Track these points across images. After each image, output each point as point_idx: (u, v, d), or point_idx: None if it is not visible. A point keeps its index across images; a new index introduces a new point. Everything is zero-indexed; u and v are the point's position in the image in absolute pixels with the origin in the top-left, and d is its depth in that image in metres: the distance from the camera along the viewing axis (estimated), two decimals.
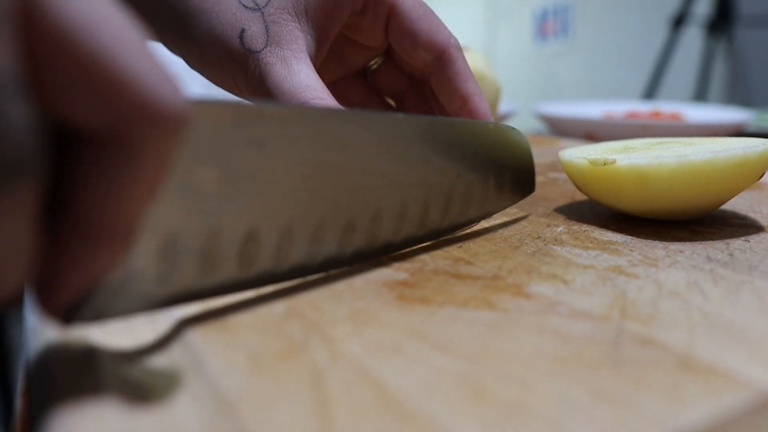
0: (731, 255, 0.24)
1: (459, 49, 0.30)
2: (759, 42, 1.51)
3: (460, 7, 2.72)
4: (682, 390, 0.14)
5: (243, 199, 0.18)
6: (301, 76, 0.27)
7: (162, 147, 0.12)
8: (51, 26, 0.10)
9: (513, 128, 0.29)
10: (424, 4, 0.30)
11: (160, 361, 0.15)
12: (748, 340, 0.17)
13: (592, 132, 0.68)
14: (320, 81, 0.27)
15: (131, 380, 0.15)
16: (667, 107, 0.84)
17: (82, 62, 0.11)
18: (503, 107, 0.83)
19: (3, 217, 0.10)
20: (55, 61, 0.11)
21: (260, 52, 0.27)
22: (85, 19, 0.11)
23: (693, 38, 1.54)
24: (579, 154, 0.29)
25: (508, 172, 0.28)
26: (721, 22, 1.44)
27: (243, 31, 0.27)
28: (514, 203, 0.30)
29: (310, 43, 0.29)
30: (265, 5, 0.28)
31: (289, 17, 0.28)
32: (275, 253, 0.19)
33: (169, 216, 0.16)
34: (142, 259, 0.16)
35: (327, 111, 0.21)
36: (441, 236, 0.26)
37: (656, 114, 0.78)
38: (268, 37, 0.27)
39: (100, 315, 0.15)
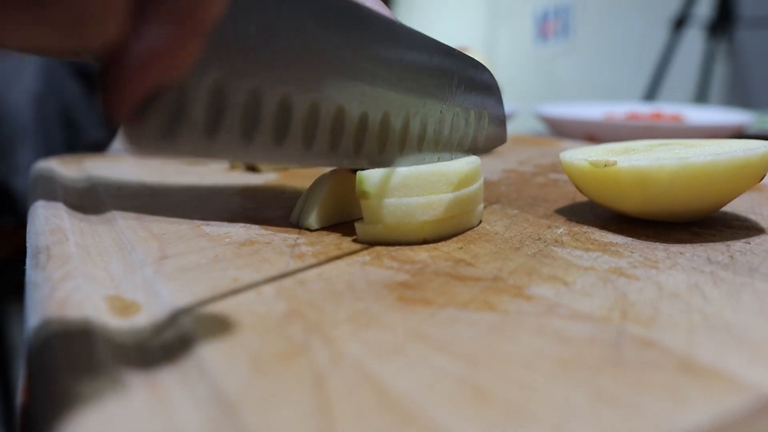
0: (732, 257, 0.24)
1: None
2: (760, 44, 1.51)
3: (461, 8, 2.72)
4: (683, 392, 0.14)
5: (278, 64, 0.19)
6: None
7: None
8: None
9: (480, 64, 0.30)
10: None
11: (161, 360, 0.15)
12: (749, 343, 0.17)
13: (592, 133, 0.68)
14: None
15: (132, 380, 0.15)
16: (667, 109, 0.84)
17: None
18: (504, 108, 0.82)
19: None
20: None
21: None
22: None
23: (694, 40, 1.54)
24: (580, 155, 0.29)
25: (486, 111, 0.31)
26: (722, 23, 1.44)
27: None
28: (487, 150, 0.32)
29: None
30: None
31: None
32: (303, 128, 0.21)
33: (218, 65, 0.17)
34: (194, 101, 0.17)
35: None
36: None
37: (657, 115, 0.78)
38: None
39: (153, 141, 0.16)
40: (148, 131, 0.15)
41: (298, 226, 0.29)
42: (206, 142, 0.18)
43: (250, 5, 0.18)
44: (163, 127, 0.16)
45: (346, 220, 0.29)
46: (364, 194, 0.26)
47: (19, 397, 0.22)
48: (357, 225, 0.26)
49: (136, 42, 0.13)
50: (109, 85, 0.13)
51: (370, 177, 0.25)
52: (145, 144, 0.15)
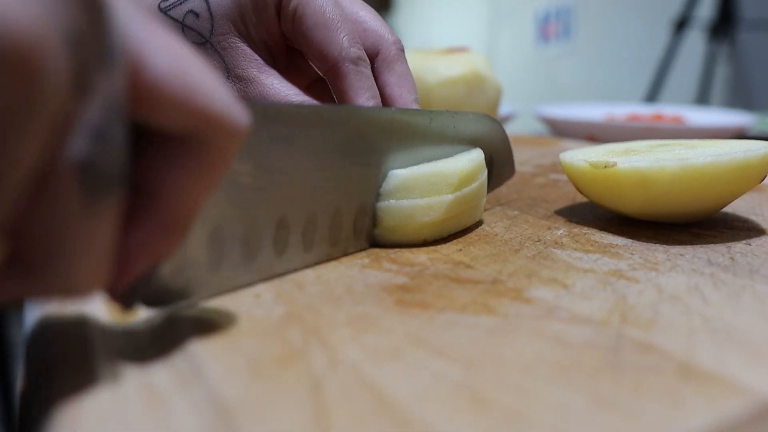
0: (732, 258, 0.24)
1: (355, 61, 0.28)
2: (761, 46, 1.51)
3: (463, 9, 2.72)
4: (682, 396, 0.14)
5: (272, 190, 0.20)
6: (276, 88, 0.28)
7: (226, 150, 0.15)
8: (153, 76, 0.13)
9: (487, 116, 0.30)
10: (334, 10, 0.28)
11: (158, 363, 0.15)
12: (749, 346, 0.16)
13: (593, 134, 0.68)
14: (293, 86, 0.29)
15: (129, 382, 0.14)
16: (668, 110, 0.84)
17: (178, 98, 0.14)
18: (504, 109, 0.83)
19: (101, 221, 0.13)
20: (156, 97, 0.14)
21: (227, 81, 0.29)
22: (177, 68, 0.14)
23: (695, 41, 1.54)
24: (580, 156, 0.29)
25: (492, 157, 0.31)
26: (724, 25, 1.44)
27: None
28: (498, 185, 0.33)
29: (265, 57, 0.30)
30: (210, 35, 0.28)
31: (237, 39, 0.29)
32: (302, 238, 0.22)
33: (215, 208, 0.18)
34: (195, 247, 0.18)
35: (338, 106, 0.23)
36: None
37: (658, 117, 0.77)
38: (225, 64, 0.29)
39: (162, 300, 0.17)
40: (133, 307, 0.16)
41: None
42: (212, 277, 0.19)
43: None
44: (171, 278, 0.17)
45: None
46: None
47: (18, 395, 0.22)
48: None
49: (130, 241, 0.14)
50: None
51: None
52: (157, 298, 0.17)
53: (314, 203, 0.22)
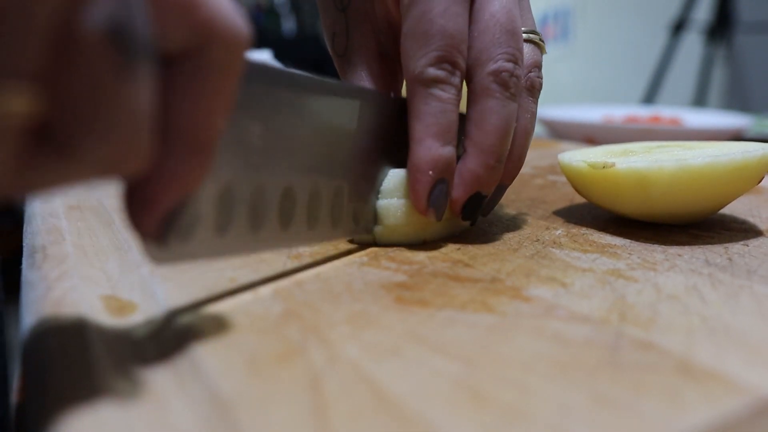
0: (730, 259, 0.24)
1: (427, 83, 0.24)
2: (758, 48, 1.51)
3: None
4: (681, 394, 0.14)
5: (280, 157, 0.20)
6: (356, 78, 0.28)
7: (231, 63, 0.15)
8: None
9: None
10: (434, 19, 0.23)
11: (156, 361, 0.15)
12: (747, 345, 0.16)
13: (591, 136, 0.68)
14: (371, 83, 0.28)
15: (128, 380, 0.14)
16: (666, 112, 0.84)
17: (180, 7, 0.14)
18: None
19: (137, 89, 0.13)
20: (160, 4, 0.13)
21: (342, 56, 0.28)
22: None
23: (693, 44, 1.55)
24: (578, 157, 0.29)
25: None
26: (721, 28, 1.45)
27: (334, 35, 0.28)
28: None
29: (386, 38, 0.28)
30: (347, 6, 0.28)
31: (363, 16, 0.28)
32: (306, 212, 0.22)
33: (224, 168, 0.18)
34: (205, 204, 0.18)
35: (349, 86, 0.23)
36: None
37: (656, 119, 0.78)
38: (347, 41, 0.28)
39: (174, 255, 0.17)
40: (168, 243, 0.16)
41: None
42: (218, 240, 0.19)
43: (245, 110, 0.19)
44: (180, 235, 0.17)
45: None
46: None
47: (15, 396, 0.22)
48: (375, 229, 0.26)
49: (158, 172, 0.15)
50: (135, 207, 0.15)
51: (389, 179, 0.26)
52: (165, 254, 0.17)
53: (319, 178, 0.22)
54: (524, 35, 0.27)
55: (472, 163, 0.25)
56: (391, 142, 0.26)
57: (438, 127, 0.24)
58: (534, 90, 0.27)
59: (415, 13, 0.24)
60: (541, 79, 0.28)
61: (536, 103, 0.28)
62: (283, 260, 0.23)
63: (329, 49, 0.29)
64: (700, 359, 0.16)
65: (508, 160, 0.26)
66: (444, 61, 0.24)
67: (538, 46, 0.28)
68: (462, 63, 0.24)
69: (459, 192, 0.25)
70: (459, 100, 0.25)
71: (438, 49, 0.24)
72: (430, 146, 0.24)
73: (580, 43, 2.10)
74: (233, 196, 0.19)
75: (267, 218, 0.20)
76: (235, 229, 0.19)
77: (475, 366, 0.15)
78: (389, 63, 0.28)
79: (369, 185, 0.25)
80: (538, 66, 0.27)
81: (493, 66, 0.24)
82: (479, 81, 0.25)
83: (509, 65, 0.25)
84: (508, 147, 0.26)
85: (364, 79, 0.28)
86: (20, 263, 0.24)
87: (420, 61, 0.24)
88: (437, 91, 0.24)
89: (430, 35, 0.24)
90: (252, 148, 0.19)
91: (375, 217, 0.26)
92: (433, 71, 0.24)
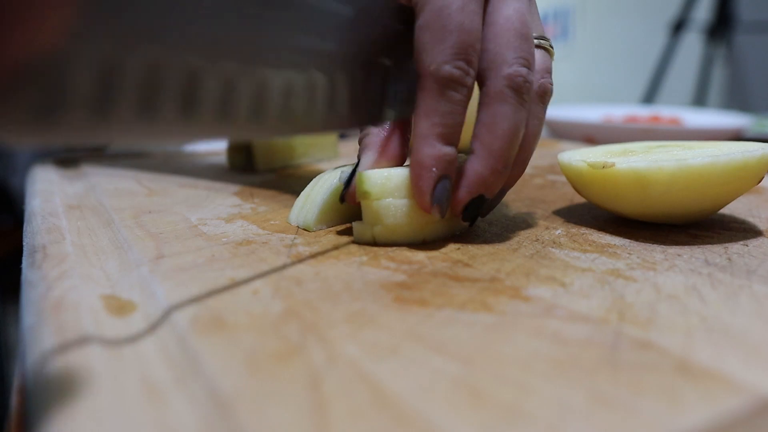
0: (729, 259, 0.24)
1: (442, 81, 0.24)
2: (758, 48, 1.51)
3: None
4: (680, 394, 0.14)
5: (185, 33, 0.17)
6: None
7: None
8: None
9: None
10: (453, 15, 0.23)
11: (156, 359, 0.15)
12: (746, 345, 0.16)
13: (591, 135, 0.68)
14: None
15: (127, 378, 0.14)
16: (666, 112, 0.84)
17: None
18: None
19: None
20: None
21: None
22: None
23: (692, 43, 1.55)
24: (578, 157, 0.29)
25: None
26: (721, 27, 1.45)
27: None
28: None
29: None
30: None
31: None
32: (220, 101, 0.19)
33: (102, 37, 0.15)
34: (77, 74, 0.15)
35: None
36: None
37: (655, 118, 0.78)
38: None
39: (26, 124, 0.14)
40: (19, 113, 0.14)
41: (297, 226, 0.29)
42: (96, 122, 0.16)
43: None
44: (38, 107, 0.14)
45: (345, 222, 0.29)
46: (365, 194, 0.25)
47: (14, 395, 0.22)
48: (354, 225, 0.26)
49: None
50: None
51: (371, 177, 0.25)
52: (14, 128, 0.14)
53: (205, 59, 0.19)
54: (535, 41, 0.26)
55: (479, 166, 0.25)
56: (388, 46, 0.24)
57: (444, 128, 0.24)
58: (545, 96, 0.27)
59: (433, 7, 0.23)
60: (552, 85, 0.27)
61: (545, 109, 0.27)
62: (283, 259, 0.23)
63: None
64: (699, 359, 0.16)
65: (513, 164, 0.26)
66: (460, 58, 0.24)
67: (548, 51, 0.28)
68: (476, 62, 0.24)
69: (463, 193, 0.25)
70: (468, 102, 0.25)
71: (455, 45, 0.23)
72: (433, 144, 0.24)
73: (580, 43, 2.10)
74: (114, 71, 0.16)
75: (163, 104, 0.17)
76: (118, 114, 0.16)
77: (474, 365, 0.15)
78: None
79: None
80: (549, 71, 0.27)
81: (508, 70, 0.24)
82: (493, 84, 0.25)
83: (524, 70, 0.25)
84: (516, 152, 0.26)
85: None
86: (18, 263, 0.24)
87: (437, 56, 0.23)
88: (450, 92, 0.24)
89: (448, 30, 0.23)
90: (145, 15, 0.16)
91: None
92: (449, 69, 0.23)
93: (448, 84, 0.24)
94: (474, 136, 0.25)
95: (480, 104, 0.25)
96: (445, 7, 0.23)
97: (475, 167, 0.25)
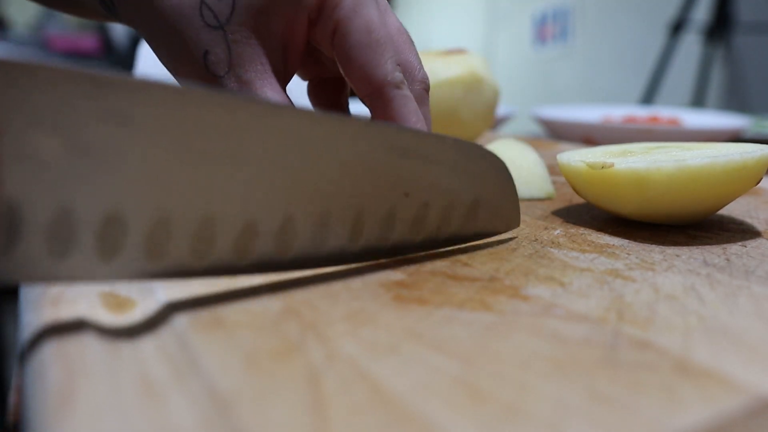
0: (728, 260, 0.24)
1: (399, 86, 0.26)
2: (757, 49, 1.51)
3: (460, 11, 2.73)
4: (679, 393, 0.14)
5: (100, 179, 0.17)
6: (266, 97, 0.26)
7: None
8: None
9: (493, 154, 0.26)
10: (381, 29, 0.26)
11: (155, 357, 0.15)
12: (745, 345, 0.17)
13: (590, 136, 0.68)
14: (285, 97, 0.27)
15: (126, 377, 0.14)
16: (665, 112, 0.84)
17: None
18: (502, 110, 0.83)
19: None
20: None
21: (223, 77, 0.26)
22: None
23: (691, 44, 1.55)
24: (577, 157, 0.29)
25: (482, 200, 0.26)
26: (720, 28, 1.45)
27: (206, 53, 0.26)
28: (488, 236, 0.26)
29: (278, 57, 0.27)
30: (226, 21, 0.26)
31: (250, 33, 0.26)
32: (149, 245, 0.18)
33: (10, 184, 0.15)
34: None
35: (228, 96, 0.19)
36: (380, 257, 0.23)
37: (654, 119, 0.78)
38: (230, 59, 0.26)
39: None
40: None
41: None
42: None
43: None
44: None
45: None
46: None
47: (12, 393, 0.22)
48: None
49: None
50: None
51: None
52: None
53: (176, 203, 0.18)
54: None
55: None
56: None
57: (421, 123, 0.26)
58: (428, 92, 0.29)
59: (359, 26, 0.26)
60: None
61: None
62: None
63: (194, 70, 0.26)
64: (698, 358, 0.16)
65: None
66: (397, 63, 0.27)
67: None
68: None
69: None
70: None
71: (393, 56, 0.26)
72: None
73: (579, 44, 2.10)
74: (23, 219, 0.16)
75: (80, 247, 0.17)
76: (25, 254, 0.16)
77: (473, 364, 0.15)
78: (280, 80, 0.28)
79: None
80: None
81: (418, 75, 0.28)
82: (413, 90, 0.28)
83: (425, 72, 0.28)
84: None
85: (263, 72, 0.26)
86: None
87: (386, 66, 0.26)
88: (407, 92, 0.26)
89: (382, 44, 0.26)
90: (48, 164, 0.16)
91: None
92: (399, 75, 0.26)
93: (403, 86, 0.26)
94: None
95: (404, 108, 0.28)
96: (371, 22, 0.26)
97: None
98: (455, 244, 0.25)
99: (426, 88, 0.28)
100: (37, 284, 0.17)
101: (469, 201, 0.25)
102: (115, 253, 0.17)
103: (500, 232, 0.27)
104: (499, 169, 0.26)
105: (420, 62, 0.28)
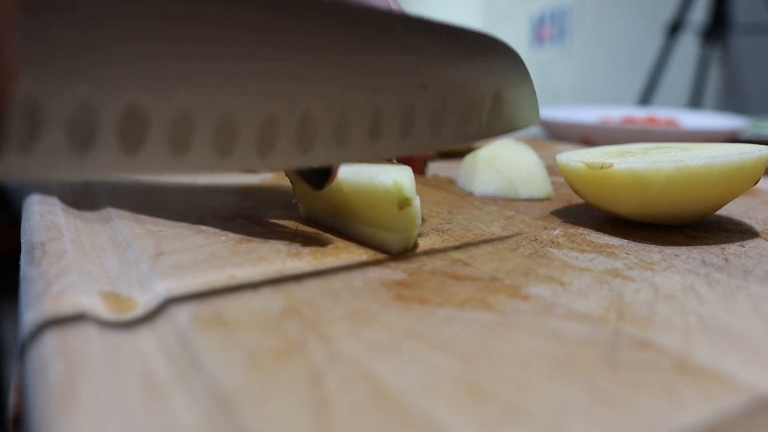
0: (726, 260, 0.24)
1: None
2: (754, 50, 1.52)
3: (457, 11, 2.73)
4: (678, 392, 0.14)
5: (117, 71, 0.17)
6: None
7: None
8: None
9: (506, 44, 0.25)
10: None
11: (156, 356, 0.15)
12: (744, 344, 0.17)
13: (588, 136, 0.68)
14: None
15: (127, 375, 0.14)
16: (662, 113, 0.84)
17: None
18: None
19: None
20: None
21: None
22: None
23: (689, 45, 1.56)
24: (576, 157, 0.29)
25: (502, 95, 0.25)
26: (717, 29, 1.45)
27: None
28: (508, 131, 0.26)
29: None
30: None
31: None
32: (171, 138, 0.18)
33: (28, 79, 0.15)
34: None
35: None
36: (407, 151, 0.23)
37: (652, 120, 0.78)
38: None
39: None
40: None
41: (297, 224, 0.29)
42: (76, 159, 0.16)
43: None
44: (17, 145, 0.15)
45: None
46: (407, 202, 0.23)
47: (12, 393, 0.22)
48: (389, 239, 0.24)
49: None
50: None
51: (405, 181, 0.24)
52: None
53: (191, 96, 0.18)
54: None
55: None
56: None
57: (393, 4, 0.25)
58: None
59: None
60: None
61: None
62: (283, 257, 0.23)
63: None
64: (697, 358, 0.16)
65: None
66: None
67: None
68: None
69: None
70: None
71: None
72: None
73: (576, 44, 2.10)
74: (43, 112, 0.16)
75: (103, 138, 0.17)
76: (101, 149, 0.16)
77: (473, 363, 0.15)
78: None
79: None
80: None
81: None
82: None
83: None
84: None
85: None
86: (15, 261, 0.24)
87: None
88: None
89: None
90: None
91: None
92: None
93: None
94: None
95: None
96: None
97: None
98: (475, 139, 0.25)
99: None
100: (58, 179, 0.17)
101: (488, 96, 0.25)
102: (138, 146, 0.17)
103: (520, 128, 0.26)
104: (513, 61, 0.25)
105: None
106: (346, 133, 0.21)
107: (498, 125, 0.25)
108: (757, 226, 0.30)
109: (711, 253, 0.25)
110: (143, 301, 0.19)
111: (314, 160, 0.21)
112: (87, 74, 0.16)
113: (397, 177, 0.24)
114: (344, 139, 0.21)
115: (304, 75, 0.20)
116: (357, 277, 0.21)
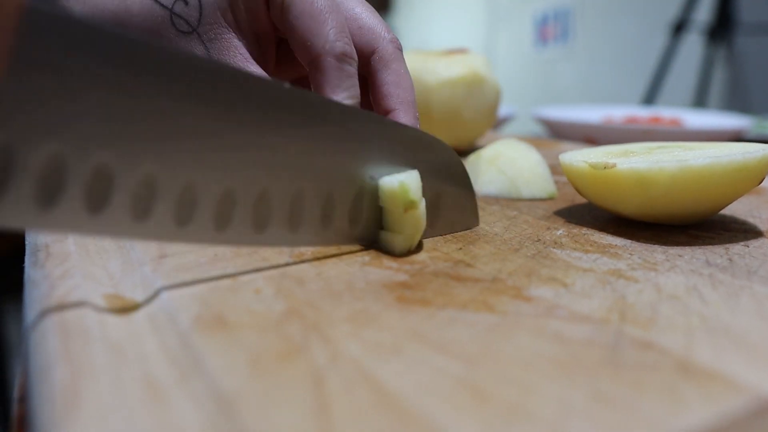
0: (730, 260, 0.24)
1: (339, 57, 0.26)
2: (759, 49, 1.51)
3: (461, 11, 2.73)
4: (681, 393, 0.14)
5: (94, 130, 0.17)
6: None
7: None
8: None
9: (444, 144, 0.27)
10: (324, 1, 0.27)
11: (159, 358, 0.15)
12: (747, 345, 0.17)
13: (591, 136, 0.68)
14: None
15: (130, 377, 0.14)
16: (666, 113, 0.84)
17: None
18: (503, 110, 0.83)
19: None
20: None
21: (191, 32, 0.27)
22: None
23: (693, 45, 1.55)
24: (579, 157, 0.29)
25: (443, 193, 0.27)
26: (721, 29, 1.45)
27: (174, 3, 0.27)
28: (448, 233, 0.28)
29: (254, 49, 0.29)
30: (198, 24, 0.27)
31: (224, 29, 0.28)
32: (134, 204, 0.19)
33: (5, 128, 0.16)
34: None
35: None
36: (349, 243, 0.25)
37: (656, 119, 0.78)
38: (210, 57, 0.28)
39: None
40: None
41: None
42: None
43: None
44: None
45: None
46: (412, 204, 0.24)
47: (16, 394, 0.22)
48: (394, 240, 0.24)
49: None
50: None
51: (412, 183, 0.24)
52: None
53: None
54: None
55: (406, 119, 0.28)
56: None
57: (352, 101, 0.27)
58: (401, 50, 0.30)
59: None
60: None
61: None
62: (285, 259, 0.24)
63: (163, 21, 0.27)
64: (700, 359, 0.16)
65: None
66: (344, 35, 0.27)
67: None
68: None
69: None
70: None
71: (337, 25, 0.27)
72: None
73: (580, 44, 2.10)
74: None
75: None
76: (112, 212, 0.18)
77: (476, 364, 0.15)
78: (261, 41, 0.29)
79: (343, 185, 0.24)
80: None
81: (388, 36, 0.29)
82: (384, 48, 0.29)
83: (393, 34, 0.29)
84: None
85: (245, 60, 0.28)
86: (18, 263, 0.24)
87: (328, 36, 0.26)
88: (347, 67, 0.27)
89: (325, 13, 0.27)
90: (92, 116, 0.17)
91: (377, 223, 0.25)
92: (341, 45, 0.27)
93: (344, 59, 0.27)
94: (385, 96, 0.28)
95: (378, 69, 0.28)
96: None
97: (405, 121, 0.28)
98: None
99: (398, 46, 0.29)
100: (26, 230, 0.18)
101: (428, 197, 0.26)
102: (102, 207, 0.18)
103: (458, 231, 0.28)
104: (454, 163, 0.27)
105: (386, 25, 0.29)
106: (298, 215, 0.23)
107: (436, 227, 0.27)
108: (762, 226, 0.29)
109: (715, 253, 0.25)
110: (146, 303, 0.19)
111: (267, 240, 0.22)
112: (63, 130, 0.17)
113: (404, 179, 0.24)
114: (297, 222, 0.23)
115: (265, 154, 0.21)
116: (359, 279, 0.21)
